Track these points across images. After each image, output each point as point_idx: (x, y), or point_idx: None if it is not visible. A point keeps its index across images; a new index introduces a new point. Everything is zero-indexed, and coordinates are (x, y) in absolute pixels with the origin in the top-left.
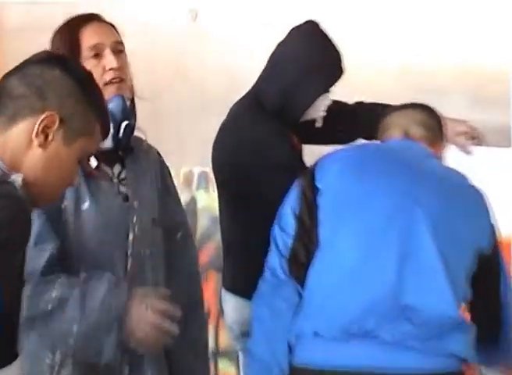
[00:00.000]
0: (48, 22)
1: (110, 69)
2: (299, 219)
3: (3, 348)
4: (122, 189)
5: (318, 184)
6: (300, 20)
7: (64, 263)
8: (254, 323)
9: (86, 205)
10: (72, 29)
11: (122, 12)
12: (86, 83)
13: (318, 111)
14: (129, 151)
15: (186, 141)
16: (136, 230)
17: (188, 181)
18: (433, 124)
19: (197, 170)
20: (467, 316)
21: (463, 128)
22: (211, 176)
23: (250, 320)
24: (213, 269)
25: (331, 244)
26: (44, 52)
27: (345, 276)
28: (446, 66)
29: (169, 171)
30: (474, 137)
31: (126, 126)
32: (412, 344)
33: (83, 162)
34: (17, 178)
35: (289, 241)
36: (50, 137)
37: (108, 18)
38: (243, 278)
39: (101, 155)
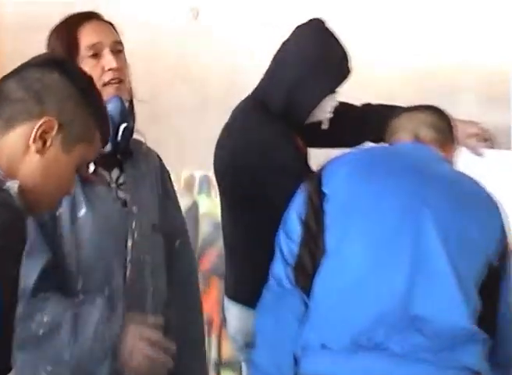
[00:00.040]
0: (45, 21)
1: (109, 70)
2: (305, 225)
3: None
4: (121, 194)
5: (325, 189)
6: (302, 19)
7: (58, 276)
8: (257, 333)
9: (82, 212)
10: (70, 27)
11: (121, 12)
12: (86, 89)
13: (325, 112)
14: (128, 154)
15: (187, 143)
16: (135, 235)
17: (189, 185)
18: (444, 127)
19: (198, 174)
20: None
21: (474, 130)
22: (214, 180)
23: (254, 330)
24: (215, 275)
25: (338, 251)
26: (44, 55)
27: (352, 285)
28: (446, 66)
29: (169, 175)
30: (486, 139)
31: (125, 128)
32: (424, 357)
33: (81, 169)
34: (13, 185)
35: (295, 248)
36: (48, 143)
37: (107, 17)
38: (246, 286)
39: (99, 159)
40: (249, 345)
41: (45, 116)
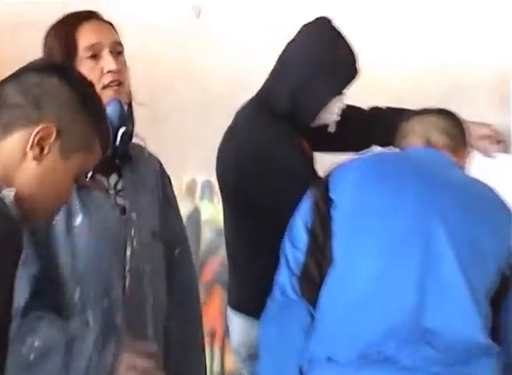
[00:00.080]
0: (43, 21)
1: (108, 72)
2: (311, 233)
3: None
4: (120, 201)
5: (332, 195)
6: (303, 19)
7: (52, 288)
8: (262, 345)
9: (78, 220)
10: (68, 27)
11: (121, 11)
12: (86, 94)
13: (332, 115)
14: (127, 159)
15: (188, 147)
16: (134, 243)
17: (191, 191)
18: (457, 132)
19: (200, 179)
20: None
21: (486, 131)
22: (216, 185)
23: (258, 341)
24: (218, 284)
25: (345, 261)
26: (43, 60)
27: (361, 298)
28: (446, 66)
29: (170, 180)
30: (499, 141)
31: (124, 132)
32: (436, 370)
33: (80, 179)
34: (9, 193)
35: (301, 257)
36: (46, 150)
37: (106, 17)
38: (249, 295)
39: (97, 165)
40: (253, 357)
41: (43, 122)
